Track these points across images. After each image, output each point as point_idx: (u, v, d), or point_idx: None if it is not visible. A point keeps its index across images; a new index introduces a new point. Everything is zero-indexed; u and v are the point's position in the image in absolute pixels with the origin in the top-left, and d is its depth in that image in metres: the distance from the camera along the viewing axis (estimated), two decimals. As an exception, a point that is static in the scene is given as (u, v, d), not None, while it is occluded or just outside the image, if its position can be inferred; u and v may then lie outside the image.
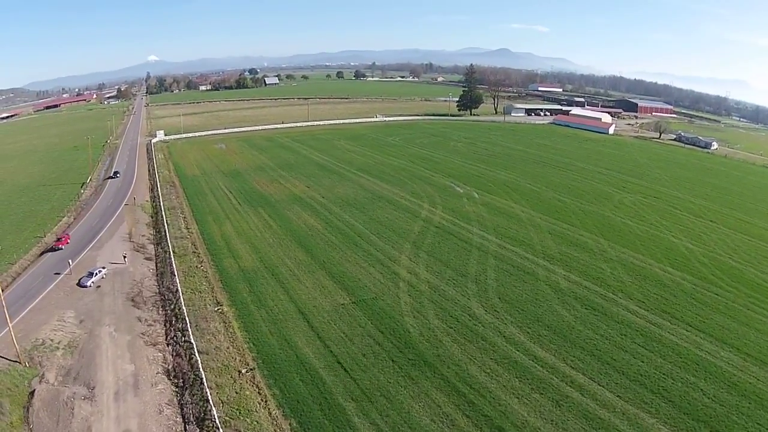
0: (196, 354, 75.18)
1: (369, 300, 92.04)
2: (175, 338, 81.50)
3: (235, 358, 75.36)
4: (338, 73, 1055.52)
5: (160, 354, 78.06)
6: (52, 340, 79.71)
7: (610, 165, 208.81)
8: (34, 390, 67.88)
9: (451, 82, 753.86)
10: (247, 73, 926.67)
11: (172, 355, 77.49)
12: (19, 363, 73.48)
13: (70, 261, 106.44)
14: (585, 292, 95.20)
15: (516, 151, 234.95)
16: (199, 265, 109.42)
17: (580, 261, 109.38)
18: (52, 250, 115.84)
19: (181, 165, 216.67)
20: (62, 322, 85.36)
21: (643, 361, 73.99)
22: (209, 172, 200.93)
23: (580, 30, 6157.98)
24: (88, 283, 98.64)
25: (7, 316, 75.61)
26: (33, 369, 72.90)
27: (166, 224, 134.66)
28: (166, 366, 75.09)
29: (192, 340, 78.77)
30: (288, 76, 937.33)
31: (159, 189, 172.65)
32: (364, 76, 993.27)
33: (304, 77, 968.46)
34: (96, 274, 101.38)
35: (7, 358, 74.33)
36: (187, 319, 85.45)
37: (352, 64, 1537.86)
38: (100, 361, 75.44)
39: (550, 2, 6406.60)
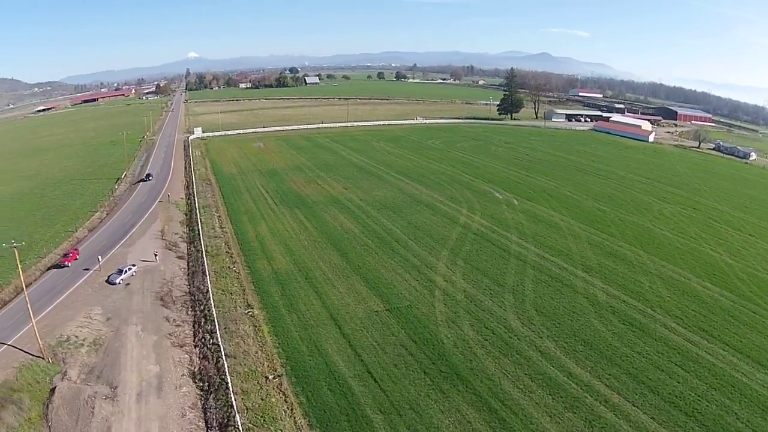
0: (224, 357, 74.95)
1: (403, 308, 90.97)
2: (203, 340, 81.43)
3: (263, 364, 74.90)
4: (379, 73, 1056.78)
5: (186, 356, 78.02)
6: (77, 337, 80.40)
7: (649, 174, 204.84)
8: (56, 387, 68.37)
9: (492, 85, 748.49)
10: (287, 72, 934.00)
11: (199, 358, 77.36)
12: (42, 358, 74.25)
13: (99, 257, 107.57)
14: (623, 306, 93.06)
15: (556, 158, 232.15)
16: (232, 266, 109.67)
17: (618, 273, 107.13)
18: (57, 266, 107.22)
19: (218, 163, 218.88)
20: (89, 319, 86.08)
21: (678, 382, 71.80)
22: (246, 170, 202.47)
23: (620, 35, 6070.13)
24: (117, 281, 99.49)
25: (30, 312, 76.28)
26: (56, 365, 73.51)
27: (200, 223, 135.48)
28: (192, 368, 74.96)
29: (220, 343, 78.58)
30: (329, 76, 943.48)
31: (194, 186, 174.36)
32: (405, 77, 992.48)
33: (345, 77, 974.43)
34: (125, 271, 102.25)
35: (30, 353, 75.22)
36: (216, 320, 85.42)
37: (393, 65, 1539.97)
38: (125, 360, 75.69)
39: (590, 7, 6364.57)
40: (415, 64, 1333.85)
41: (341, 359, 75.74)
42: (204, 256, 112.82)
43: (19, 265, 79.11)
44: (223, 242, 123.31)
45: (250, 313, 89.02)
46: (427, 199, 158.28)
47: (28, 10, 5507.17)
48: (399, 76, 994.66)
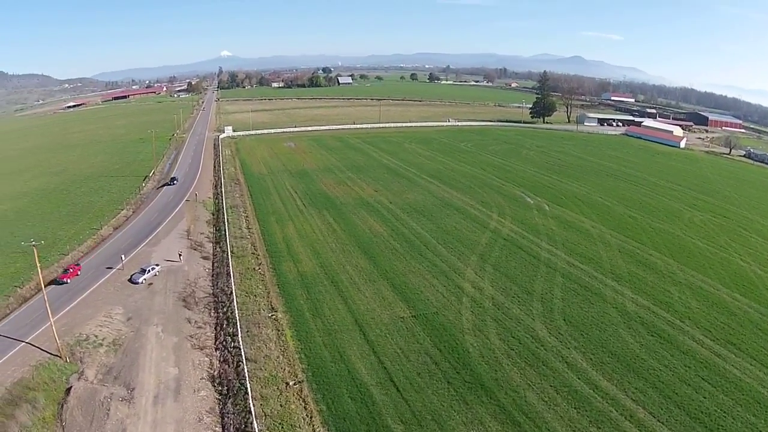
0: (244, 361, 74.37)
1: (430, 314, 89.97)
2: (224, 343, 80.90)
3: (284, 369, 74.17)
4: (412, 74, 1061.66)
5: (206, 359, 77.55)
6: (96, 337, 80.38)
7: (680, 180, 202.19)
8: (71, 387, 68.31)
9: (524, 88, 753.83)
10: (320, 71, 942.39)
11: (219, 361, 76.84)
12: (60, 357, 74.30)
13: (123, 256, 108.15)
14: (652, 317, 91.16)
15: (588, 162, 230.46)
16: (257, 268, 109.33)
17: (648, 283, 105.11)
18: (56, 282, 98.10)
19: (247, 162, 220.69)
20: (109, 319, 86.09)
21: (705, 397, 70.01)
22: (276, 170, 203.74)
23: (652, 39, 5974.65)
24: (140, 280, 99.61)
25: (48, 310, 76.50)
26: (73, 365, 73.53)
27: (226, 223, 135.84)
28: (212, 372, 74.41)
29: (241, 347, 78.12)
30: (362, 76, 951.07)
31: (223, 186, 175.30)
32: (438, 79, 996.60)
33: (378, 78, 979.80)
34: (149, 271, 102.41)
35: (48, 352, 75.26)
36: (238, 323, 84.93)
37: (426, 66, 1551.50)
38: (144, 362, 75.48)
39: (622, 10, 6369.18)
40: (449, 66, 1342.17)
41: (364, 366, 74.83)
42: (229, 257, 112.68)
43: (38, 264, 79.03)
44: (250, 243, 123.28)
45: (274, 317, 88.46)
46: (457, 203, 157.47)
47: (60, 7, 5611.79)
48: (432, 78, 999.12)
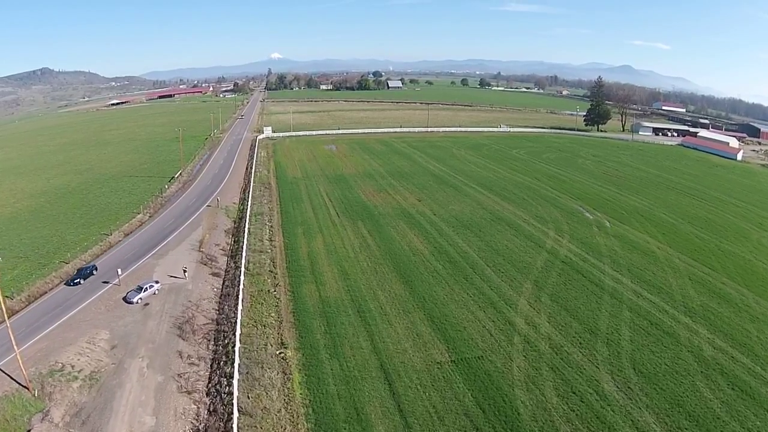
0: (236, 414, 61.07)
1: (473, 359, 75.54)
2: (217, 386, 67.86)
3: (284, 428, 60.65)
4: (463, 80, 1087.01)
5: (193, 406, 64.81)
6: (72, 367, 70.21)
7: (742, 196, 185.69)
8: (31, 429, 59.20)
9: (575, 95, 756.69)
10: (370, 75, 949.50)
11: (208, 411, 63.94)
12: (28, 390, 65.33)
13: (119, 270, 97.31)
14: (730, 363, 76.42)
15: (647, 174, 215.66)
16: (273, 290, 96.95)
17: (724, 319, 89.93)
18: None
19: (282, 165, 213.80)
20: (91, 345, 75.63)
21: None
22: (312, 175, 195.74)
23: (700, 49, 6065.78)
24: (135, 300, 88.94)
25: (12, 340, 66.97)
26: (40, 402, 64.04)
27: (246, 233, 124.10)
28: (197, 425, 61.59)
29: (235, 394, 64.91)
30: (412, 81, 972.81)
31: (251, 190, 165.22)
32: (488, 84, 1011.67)
33: (429, 83, 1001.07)
34: (146, 289, 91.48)
35: (17, 382, 66.61)
36: (237, 362, 71.83)
37: (477, 72, 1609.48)
38: (118, 405, 63.73)
39: (671, 20, 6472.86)
40: (499, 72, 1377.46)
41: (384, 431, 61.07)
42: (242, 275, 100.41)
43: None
44: (269, 258, 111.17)
45: (282, 355, 75.37)
46: (509, 217, 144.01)
47: (115, 6, 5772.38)
48: (483, 84, 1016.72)
